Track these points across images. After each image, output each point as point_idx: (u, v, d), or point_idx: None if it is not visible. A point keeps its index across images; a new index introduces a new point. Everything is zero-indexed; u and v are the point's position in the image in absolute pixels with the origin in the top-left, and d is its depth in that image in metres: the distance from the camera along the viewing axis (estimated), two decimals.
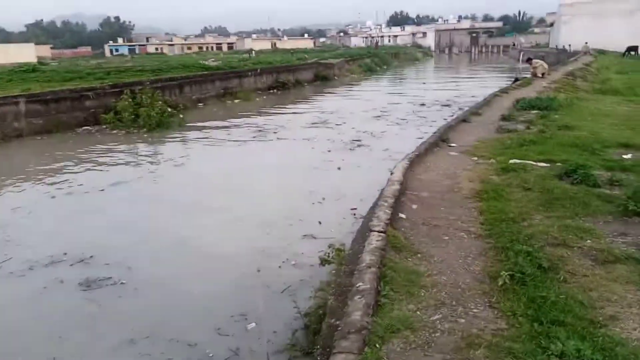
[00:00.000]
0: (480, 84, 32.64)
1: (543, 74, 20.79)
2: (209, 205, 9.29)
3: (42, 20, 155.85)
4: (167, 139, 16.46)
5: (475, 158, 7.01)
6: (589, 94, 16.44)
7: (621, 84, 20.01)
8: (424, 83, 36.05)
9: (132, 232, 8.00)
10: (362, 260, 3.54)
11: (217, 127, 18.30)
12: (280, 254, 6.56)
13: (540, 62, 21.54)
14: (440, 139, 8.14)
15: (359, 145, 14.19)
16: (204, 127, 18.24)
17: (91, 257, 6.89)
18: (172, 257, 7.00)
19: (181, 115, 18.87)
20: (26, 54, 71.50)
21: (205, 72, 27.28)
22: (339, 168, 11.73)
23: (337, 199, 8.98)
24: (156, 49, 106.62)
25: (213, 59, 34.75)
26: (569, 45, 50.09)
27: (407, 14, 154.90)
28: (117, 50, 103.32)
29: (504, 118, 10.36)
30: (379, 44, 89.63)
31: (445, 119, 18.09)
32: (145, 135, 16.86)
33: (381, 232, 4.04)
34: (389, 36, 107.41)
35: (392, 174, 5.46)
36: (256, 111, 22.42)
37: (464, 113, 11.30)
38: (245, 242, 7.11)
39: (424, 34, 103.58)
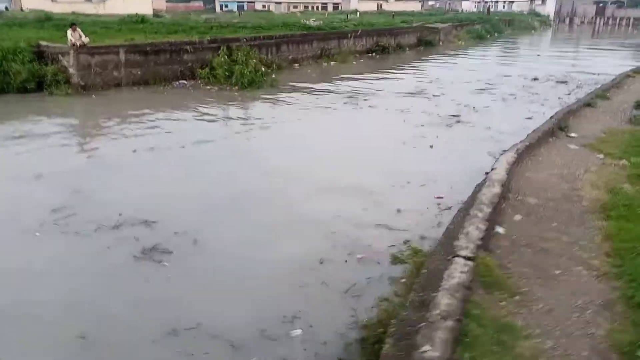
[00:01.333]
0: (603, 61, 28.92)
1: None
2: (285, 173, 8.70)
3: None
4: (258, 98, 16.08)
5: (602, 156, 5.64)
6: None
7: None
8: (539, 55, 32.67)
9: (202, 198, 7.61)
10: (437, 304, 2.64)
11: (309, 90, 17.64)
12: (348, 244, 5.79)
13: None
14: (558, 127, 6.75)
15: (457, 121, 12.86)
16: (296, 89, 17.66)
17: (154, 222, 6.55)
18: (236, 229, 6.49)
19: (273, 76, 18.37)
20: (143, 5, 75.28)
21: (304, 32, 26.57)
22: (431, 146, 10.61)
23: (423, 183, 7.96)
24: (263, 6, 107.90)
25: (314, 19, 33.92)
26: None
27: None
28: (226, 6, 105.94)
29: (639, 105, 8.56)
30: (492, 9, 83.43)
31: (560, 98, 16.04)
32: (236, 94, 16.62)
33: (469, 258, 3.10)
34: (504, 2, 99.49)
35: (493, 169, 4.39)
36: (351, 75, 21.44)
37: (589, 95, 9.53)
38: (311, 226, 6.40)
39: (543, 0, 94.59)
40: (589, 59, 30.38)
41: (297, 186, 7.90)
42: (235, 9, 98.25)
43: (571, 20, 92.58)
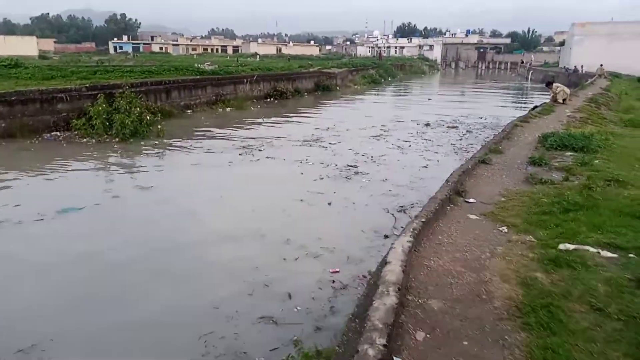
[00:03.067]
0: (488, 103, 30.87)
1: (564, 100, 18.91)
2: (150, 254, 7.40)
3: (48, 13, 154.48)
4: (140, 152, 14.57)
5: (505, 229, 5.10)
6: (619, 126, 14.56)
7: None
8: (430, 99, 34.20)
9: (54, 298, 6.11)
10: None
11: (200, 140, 16.45)
12: (222, 348, 4.65)
13: (562, 86, 19.63)
14: (455, 191, 6.23)
15: (355, 173, 12.34)
16: (185, 140, 16.37)
17: None
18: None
19: (159, 126, 16.96)
20: (27, 46, 70.00)
21: (197, 77, 25.48)
22: (329, 204, 9.88)
23: (318, 253, 7.08)
24: (160, 48, 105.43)
25: (209, 63, 32.96)
26: (582, 66, 48.41)
27: (414, 25, 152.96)
28: (120, 47, 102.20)
29: (534, 162, 8.41)
30: (385, 54, 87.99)
31: (452, 144, 16.32)
32: (116, 147, 14.99)
33: None
34: (396, 47, 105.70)
35: (386, 263, 3.57)
36: (247, 122, 20.58)
37: (482, 151, 9.33)
38: (178, 329, 5.18)
39: (431, 46, 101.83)
40: (474, 102, 32.26)
41: (162, 277, 6.61)
42: (130, 50, 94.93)
43: (456, 65, 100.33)
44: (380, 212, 9.31)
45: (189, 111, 22.90)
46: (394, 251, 3.78)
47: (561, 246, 4.46)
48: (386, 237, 7.98)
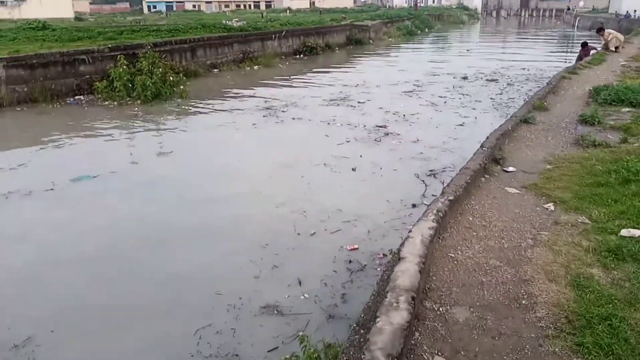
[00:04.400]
0: (531, 53, 28.77)
1: (617, 48, 17.12)
2: (170, 225, 6.90)
3: None
4: (162, 115, 14.07)
5: (551, 206, 4.22)
6: None
7: None
8: (468, 50, 32.26)
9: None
10: None
11: (224, 101, 15.83)
12: (219, 341, 4.10)
13: (614, 32, 17.71)
14: (492, 158, 5.34)
15: (385, 134, 11.48)
16: (209, 101, 15.77)
17: None
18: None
19: (182, 87, 16.37)
20: (63, 8, 70.12)
21: (224, 35, 24.56)
22: (353, 169, 9.14)
23: (336, 228, 6.39)
24: (193, 6, 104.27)
25: (237, 19, 31.91)
26: (635, 11, 44.61)
27: None
28: (154, 7, 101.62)
29: (585, 120, 7.29)
30: (422, 4, 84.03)
31: (492, 98, 15.14)
32: (137, 109, 14.54)
33: None
34: None
35: (400, 259, 2.82)
36: (275, 80, 19.76)
37: (524, 108, 8.21)
38: (177, 312, 4.66)
39: None
40: (516, 52, 30.19)
41: (158, 256, 6.08)
42: (163, 9, 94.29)
43: (498, 13, 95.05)
44: (409, 178, 8.52)
45: (215, 70, 22.20)
46: (411, 242, 3.04)
47: (624, 231, 3.58)
48: (414, 206, 7.23)
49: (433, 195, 7.61)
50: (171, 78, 16.64)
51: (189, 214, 7.15)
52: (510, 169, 5.23)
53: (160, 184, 8.69)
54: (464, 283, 3.01)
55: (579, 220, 3.84)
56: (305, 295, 4.74)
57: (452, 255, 3.32)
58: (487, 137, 5.98)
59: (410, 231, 3.29)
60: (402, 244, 3.16)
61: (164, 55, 18.40)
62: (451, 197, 3.92)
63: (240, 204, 7.56)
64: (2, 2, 56.30)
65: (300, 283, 4.99)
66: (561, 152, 5.89)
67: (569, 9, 78.56)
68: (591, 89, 9.60)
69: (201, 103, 15.42)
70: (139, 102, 15.19)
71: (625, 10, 46.93)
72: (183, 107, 14.90)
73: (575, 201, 4.24)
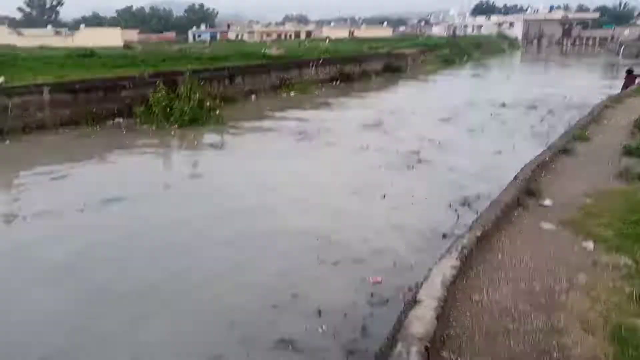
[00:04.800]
0: (573, 82, 27.97)
1: None
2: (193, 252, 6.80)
3: (131, 6, 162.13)
4: (198, 139, 14.23)
5: (591, 245, 3.86)
6: None
7: None
8: (508, 77, 31.70)
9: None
10: None
11: (259, 126, 15.90)
12: None
13: None
14: (526, 190, 4.99)
15: (418, 161, 11.20)
16: (244, 126, 15.90)
17: None
18: None
19: (217, 112, 16.59)
20: (112, 37, 73.62)
21: (261, 62, 24.98)
22: (384, 196, 8.89)
23: (360, 258, 6.13)
24: (236, 35, 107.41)
25: (276, 47, 32.48)
26: None
27: (493, 3, 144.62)
28: (199, 36, 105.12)
29: (629, 151, 6.81)
30: (461, 33, 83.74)
31: (532, 127, 14.65)
32: (174, 133, 14.77)
33: None
34: (473, 26, 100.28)
35: (416, 302, 2.54)
36: (311, 106, 19.82)
37: (563, 138, 7.78)
38: (190, 340, 4.49)
39: (511, 23, 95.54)
40: (557, 80, 29.48)
41: (175, 282, 5.94)
42: (207, 38, 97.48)
43: (539, 42, 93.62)
44: (441, 207, 8.20)
45: (252, 96, 22.51)
46: (430, 283, 2.76)
47: None
48: (444, 236, 6.90)
49: (466, 225, 7.30)
50: (208, 104, 16.93)
51: (212, 241, 7.04)
52: (547, 202, 4.87)
53: (186, 207, 8.65)
54: (488, 330, 2.71)
55: (622, 262, 3.46)
56: (324, 327, 4.49)
57: (477, 297, 3.03)
58: (522, 168, 5.63)
59: (430, 270, 3.03)
60: (419, 285, 2.90)
61: (202, 82, 18.80)
62: (478, 233, 3.63)
63: (265, 230, 7.42)
64: (57, 31, 59.50)
65: (319, 314, 4.75)
66: (603, 185, 5.47)
67: (612, 37, 76.66)
68: (637, 118, 9.07)
69: (236, 128, 15.57)
70: (176, 126, 15.44)
71: None
72: (218, 131, 15.06)
73: (618, 240, 3.85)
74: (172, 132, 14.86)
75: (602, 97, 20.33)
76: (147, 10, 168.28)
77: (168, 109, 16.08)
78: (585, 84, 26.89)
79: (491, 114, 16.82)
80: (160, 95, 16.14)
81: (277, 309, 4.92)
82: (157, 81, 16.98)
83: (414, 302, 2.67)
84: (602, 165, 6.48)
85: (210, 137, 14.37)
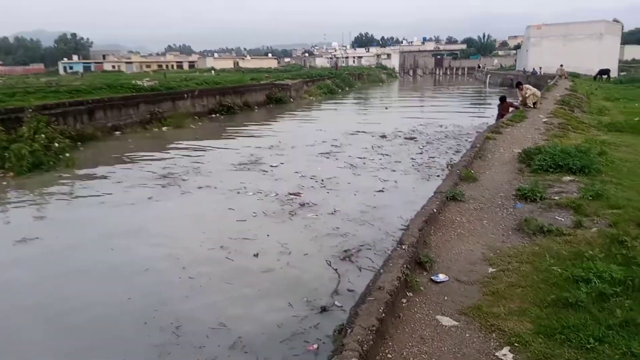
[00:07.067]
0: (447, 110, 29.08)
1: (535, 104, 16.91)
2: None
3: None
4: (35, 191, 11.80)
5: (507, 352, 2.76)
6: (603, 132, 12.61)
7: (623, 115, 16.54)
8: (387, 108, 32.30)
9: None
10: None
11: (117, 170, 13.75)
12: None
13: (532, 88, 17.41)
14: (415, 259, 3.86)
15: (299, 205, 9.97)
16: (99, 170, 13.68)
17: None
18: None
19: (67, 154, 14.23)
20: None
21: (128, 95, 22.65)
22: (255, 255, 7.49)
23: (207, 354, 4.59)
24: (113, 66, 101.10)
25: (148, 79, 30.07)
26: (540, 68, 47.73)
27: (372, 35, 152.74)
28: (71, 67, 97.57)
29: (524, 195, 6.01)
30: (343, 64, 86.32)
31: (412, 159, 14.19)
32: (5, 183, 12.19)
33: None
34: (354, 57, 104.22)
35: None
36: (182, 143, 17.95)
37: (449, 180, 6.87)
38: None
39: (389, 55, 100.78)
40: (433, 109, 30.48)
41: None
42: (81, 69, 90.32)
43: (414, 72, 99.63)
44: (321, 266, 6.96)
45: (117, 133, 20.18)
46: None
47: None
48: (323, 310, 5.61)
49: (348, 290, 6.10)
50: (57, 144, 14.50)
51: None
52: (441, 277, 3.77)
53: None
54: None
55: None
56: None
57: None
58: (408, 226, 4.54)
59: None
60: None
61: (54, 119, 16.28)
62: (356, 349, 2.35)
63: (94, 310, 5.62)
64: None
65: None
66: (503, 243, 4.52)
67: (479, 67, 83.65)
68: (521, 151, 8.62)
69: (89, 173, 13.34)
70: (11, 174, 12.84)
71: (531, 68, 50.08)
72: (66, 179, 12.73)
73: (541, 342, 2.78)
74: (4, 182, 12.26)
75: (474, 123, 20.94)
76: (11, 40, 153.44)
77: (5, 154, 13.42)
78: (459, 112, 27.98)
79: (372, 146, 16.26)
80: None
81: None
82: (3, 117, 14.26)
83: None
84: (496, 214, 5.61)
85: (53, 187, 11.99)
